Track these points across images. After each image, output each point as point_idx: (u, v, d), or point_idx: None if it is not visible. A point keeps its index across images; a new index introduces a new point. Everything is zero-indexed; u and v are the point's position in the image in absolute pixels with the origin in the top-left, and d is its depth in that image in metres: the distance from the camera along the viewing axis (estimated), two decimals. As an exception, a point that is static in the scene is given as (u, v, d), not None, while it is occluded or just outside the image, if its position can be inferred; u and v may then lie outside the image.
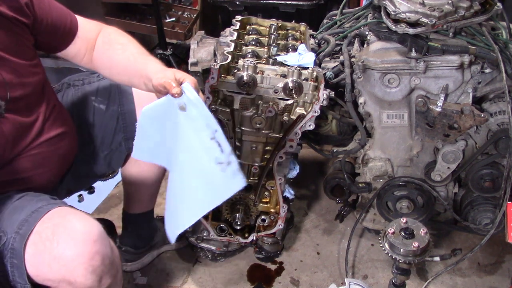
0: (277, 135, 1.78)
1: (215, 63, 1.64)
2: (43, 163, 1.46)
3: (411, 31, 1.68)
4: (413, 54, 1.71)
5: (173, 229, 1.39)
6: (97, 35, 1.59)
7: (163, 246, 2.13)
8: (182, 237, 2.12)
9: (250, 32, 1.97)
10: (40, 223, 1.24)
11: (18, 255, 1.23)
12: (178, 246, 2.15)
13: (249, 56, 1.76)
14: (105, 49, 1.57)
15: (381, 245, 1.45)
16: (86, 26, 1.59)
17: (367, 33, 1.90)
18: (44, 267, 1.23)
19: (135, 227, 2.03)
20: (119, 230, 2.12)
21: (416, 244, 1.39)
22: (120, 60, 1.54)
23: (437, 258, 1.94)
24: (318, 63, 1.87)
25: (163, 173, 2.02)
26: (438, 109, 1.73)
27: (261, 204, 1.95)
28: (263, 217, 1.96)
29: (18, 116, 1.38)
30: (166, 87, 1.31)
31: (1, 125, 1.33)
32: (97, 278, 1.24)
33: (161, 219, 2.14)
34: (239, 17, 2.04)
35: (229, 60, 1.68)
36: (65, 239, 1.22)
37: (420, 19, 1.66)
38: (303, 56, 1.72)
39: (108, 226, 2.08)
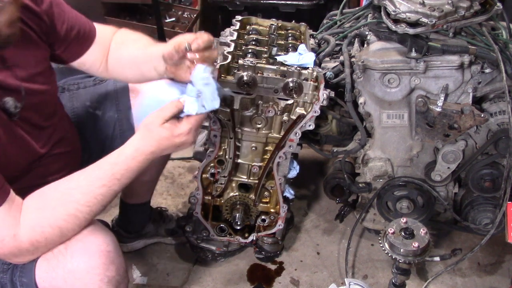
0: (277, 135, 1.78)
1: (215, 63, 1.64)
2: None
3: (411, 31, 1.68)
4: (413, 54, 1.71)
5: None
6: (111, 39, 1.57)
7: (156, 237, 2.15)
8: (176, 233, 2.13)
9: (250, 32, 1.97)
10: None
11: (28, 274, 1.21)
12: (170, 241, 2.16)
13: (249, 56, 1.76)
14: (118, 48, 1.55)
15: (381, 245, 1.45)
16: (102, 31, 1.56)
17: (367, 33, 1.90)
18: (58, 282, 1.21)
19: (128, 214, 2.08)
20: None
21: (416, 244, 1.39)
22: (131, 53, 1.52)
23: (437, 258, 1.94)
24: (318, 63, 1.87)
25: (159, 172, 2.02)
26: (438, 109, 1.73)
27: (261, 204, 1.95)
28: (263, 217, 1.96)
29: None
30: (178, 47, 1.30)
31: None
32: None
33: (159, 211, 2.17)
34: (239, 17, 2.04)
35: (229, 60, 1.68)
36: (79, 251, 1.20)
37: (420, 19, 1.66)
38: (303, 56, 1.72)
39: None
